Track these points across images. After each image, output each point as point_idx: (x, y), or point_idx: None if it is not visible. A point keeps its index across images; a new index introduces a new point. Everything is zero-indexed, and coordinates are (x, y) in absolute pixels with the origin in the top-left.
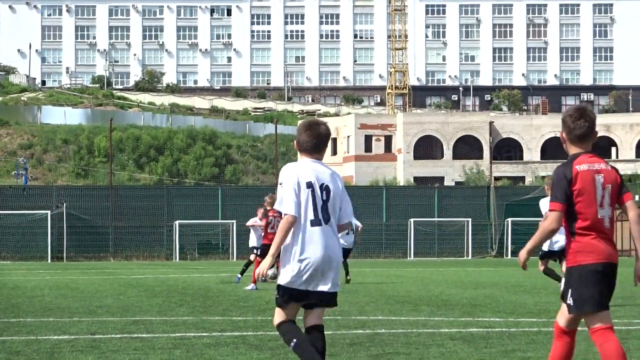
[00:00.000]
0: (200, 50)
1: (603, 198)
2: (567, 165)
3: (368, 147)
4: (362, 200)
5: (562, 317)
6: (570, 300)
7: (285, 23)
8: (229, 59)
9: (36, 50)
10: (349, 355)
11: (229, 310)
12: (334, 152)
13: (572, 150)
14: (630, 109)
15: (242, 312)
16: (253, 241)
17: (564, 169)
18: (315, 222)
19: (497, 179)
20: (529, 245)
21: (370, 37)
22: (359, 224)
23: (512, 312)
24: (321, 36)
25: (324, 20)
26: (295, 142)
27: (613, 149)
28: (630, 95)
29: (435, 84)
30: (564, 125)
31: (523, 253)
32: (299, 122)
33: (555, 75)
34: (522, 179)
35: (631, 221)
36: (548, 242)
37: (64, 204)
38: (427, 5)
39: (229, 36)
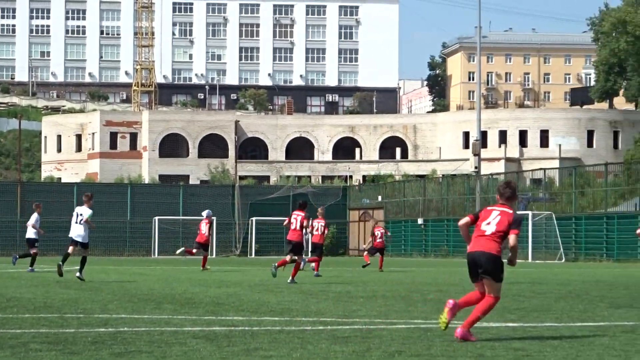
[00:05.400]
0: None
1: (491, 221)
2: (486, 206)
3: (113, 144)
4: (106, 198)
5: None
6: None
7: (31, 17)
8: None
9: None
10: (91, 354)
11: None
12: (79, 149)
13: (499, 202)
14: (374, 110)
15: None
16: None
17: (485, 206)
18: None
19: (242, 177)
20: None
21: (117, 34)
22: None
23: (255, 311)
24: (67, 31)
25: (70, 15)
26: None
27: (357, 150)
28: (374, 97)
29: (181, 82)
30: (497, 191)
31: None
32: None
33: (301, 76)
34: (267, 178)
35: (509, 247)
36: None
37: None
38: (174, 3)
39: None
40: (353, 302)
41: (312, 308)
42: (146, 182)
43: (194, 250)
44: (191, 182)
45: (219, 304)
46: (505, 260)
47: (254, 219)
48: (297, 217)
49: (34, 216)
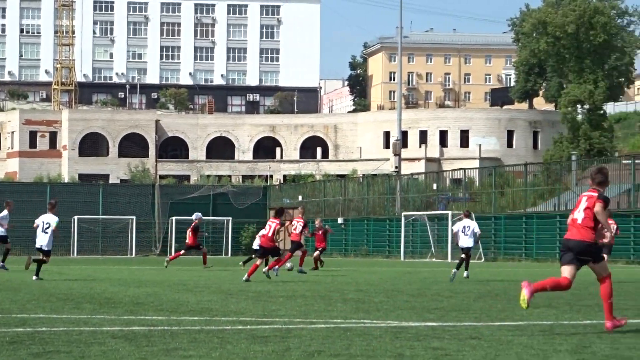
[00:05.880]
0: None
1: (580, 208)
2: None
3: (33, 143)
4: (26, 197)
5: None
6: None
7: None
8: None
9: None
10: (9, 354)
11: None
12: None
13: (591, 187)
14: (295, 110)
15: None
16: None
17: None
18: None
19: (162, 177)
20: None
21: (37, 32)
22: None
23: (174, 310)
24: None
25: None
26: None
27: (278, 150)
28: (295, 97)
29: (102, 81)
30: (590, 176)
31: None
32: None
33: (222, 75)
34: (188, 177)
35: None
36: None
37: None
38: (95, 2)
39: None
40: (273, 301)
41: (231, 308)
42: (66, 181)
43: (204, 250)
44: (111, 181)
45: (138, 304)
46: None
47: (174, 218)
48: (271, 224)
49: (4, 212)
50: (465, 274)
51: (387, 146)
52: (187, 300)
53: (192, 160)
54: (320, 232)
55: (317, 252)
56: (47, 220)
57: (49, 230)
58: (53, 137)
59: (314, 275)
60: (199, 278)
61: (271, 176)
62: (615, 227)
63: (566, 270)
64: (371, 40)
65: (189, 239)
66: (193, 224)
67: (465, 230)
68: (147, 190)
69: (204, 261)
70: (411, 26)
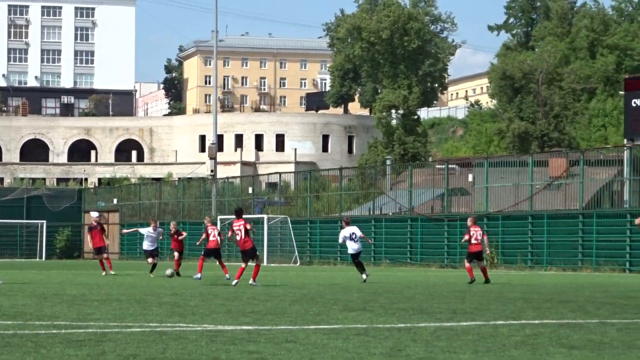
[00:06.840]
0: None
1: None
2: None
3: None
4: None
5: None
6: None
7: None
8: None
9: None
10: None
11: None
12: None
13: None
14: (111, 113)
15: None
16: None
17: None
18: None
19: None
20: None
21: None
22: None
23: None
24: None
25: None
26: None
27: (93, 153)
28: (110, 100)
29: None
30: None
31: None
32: None
33: (36, 77)
34: (1, 180)
35: None
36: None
37: None
38: None
39: None
40: (88, 305)
41: (46, 312)
42: None
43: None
44: None
45: None
46: None
47: None
48: (240, 227)
49: None
50: (363, 276)
51: (202, 150)
52: (0, 305)
53: (6, 163)
54: (176, 235)
55: (177, 254)
56: None
57: None
58: None
59: (130, 278)
60: (13, 282)
61: (86, 179)
62: (480, 232)
63: None
64: (187, 44)
65: (97, 241)
66: (92, 225)
67: (352, 237)
68: None
69: (109, 266)
70: (227, 30)
